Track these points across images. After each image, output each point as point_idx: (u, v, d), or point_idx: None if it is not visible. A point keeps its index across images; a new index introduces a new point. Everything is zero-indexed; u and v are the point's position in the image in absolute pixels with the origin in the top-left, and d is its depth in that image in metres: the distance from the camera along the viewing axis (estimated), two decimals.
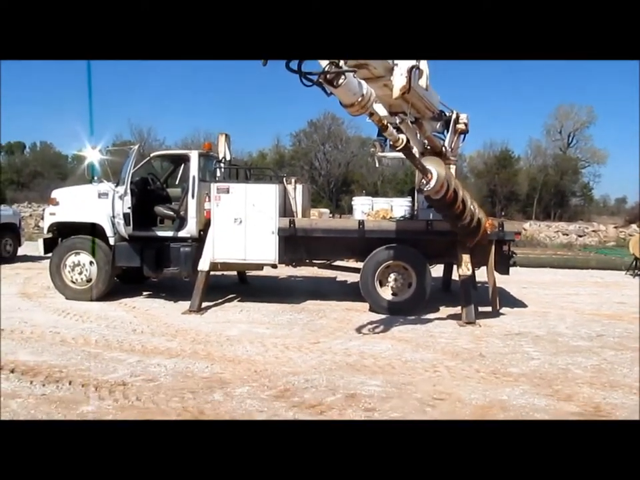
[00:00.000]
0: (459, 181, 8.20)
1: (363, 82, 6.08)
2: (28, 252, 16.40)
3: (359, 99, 6.00)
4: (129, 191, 9.46)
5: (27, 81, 77.57)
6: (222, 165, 10.48)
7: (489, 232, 8.51)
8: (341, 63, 5.75)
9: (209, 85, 75.81)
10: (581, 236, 28.76)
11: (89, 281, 9.94)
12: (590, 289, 13.08)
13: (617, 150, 78.62)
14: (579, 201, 58.82)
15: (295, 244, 9.53)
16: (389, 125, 6.80)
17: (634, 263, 15.61)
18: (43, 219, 27.97)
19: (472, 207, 7.95)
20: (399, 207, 10.46)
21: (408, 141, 7.10)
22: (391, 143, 7.12)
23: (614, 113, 76.62)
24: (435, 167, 7.21)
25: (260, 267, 10.50)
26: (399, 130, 9.33)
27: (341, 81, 5.66)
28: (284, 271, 12.93)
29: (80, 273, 9.93)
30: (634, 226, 32.53)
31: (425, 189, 7.19)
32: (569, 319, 9.27)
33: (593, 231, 30.24)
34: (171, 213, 10.17)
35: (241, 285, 12.25)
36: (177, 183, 11.48)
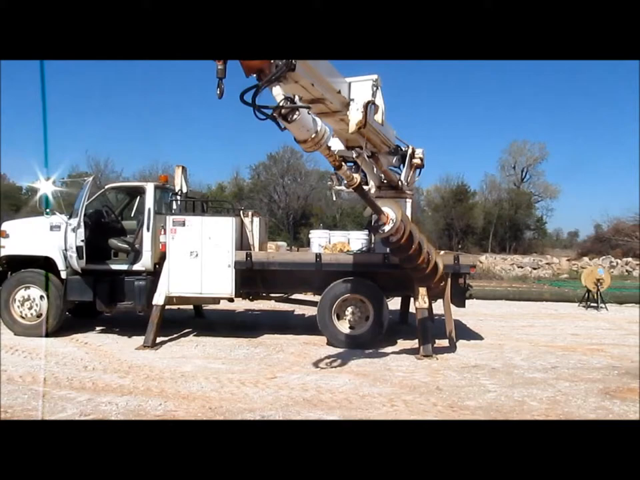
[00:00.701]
0: (415, 220, 8.31)
1: (317, 119, 6.10)
2: None
3: (313, 136, 6.00)
4: (82, 223, 9.26)
5: None
6: (178, 197, 10.39)
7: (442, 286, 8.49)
8: (296, 98, 5.79)
9: (168, 116, 75.44)
10: (535, 268, 29.27)
11: (39, 316, 9.66)
12: (544, 320, 13.26)
13: (568, 185, 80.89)
14: (533, 234, 60.08)
15: (251, 277, 9.46)
16: (342, 163, 6.80)
17: (586, 294, 15.92)
18: None
19: (428, 250, 7.85)
20: (356, 239, 10.51)
21: (362, 181, 7.10)
22: (345, 182, 7.09)
23: (566, 149, 78.85)
24: (391, 210, 7.15)
25: (216, 300, 10.36)
26: (355, 166, 9.46)
27: (295, 116, 5.67)
28: (241, 305, 12.79)
29: (30, 308, 9.65)
30: (586, 259, 33.37)
31: (380, 231, 7.13)
32: (525, 350, 9.36)
33: (547, 263, 30.84)
34: (126, 245, 10.01)
35: (197, 318, 12.06)
36: (132, 215, 11.33)
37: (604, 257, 34.39)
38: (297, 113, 5.68)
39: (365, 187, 10.39)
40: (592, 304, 15.70)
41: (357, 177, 6.89)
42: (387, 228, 7.02)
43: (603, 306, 15.37)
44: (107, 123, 72.39)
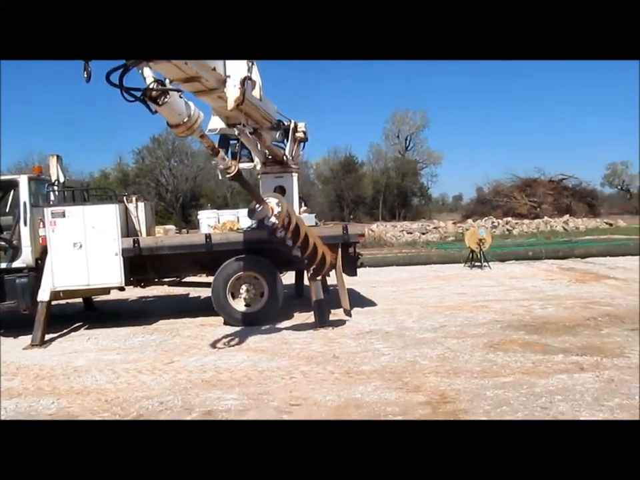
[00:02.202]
0: (305, 194, 8.36)
1: (190, 103, 6.03)
2: None
3: (185, 120, 5.94)
4: None
5: None
6: (55, 187, 9.93)
7: (333, 263, 8.41)
8: (167, 81, 5.68)
9: (40, 104, 71.57)
10: (423, 233, 30.32)
11: None
12: (433, 283, 13.80)
13: (450, 151, 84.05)
14: (419, 200, 62.23)
15: (141, 264, 9.25)
16: (219, 150, 6.76)
17: (470, 255, 16.70)
18: None
19: (314, 242, 7.82)
20: (245, 217, 10.47)
21: (239, 170, 7.00)
22: (224, 170, 6.99)
23: (447, 115, 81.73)
24: (276, 202, 7.16)
25: (106, 290, 10.07)
26: (239, 144, 9.42)
27: (165, 99, 5.57)
28: (133, 293, 12.49)
29: None
30: (470, 220, 34.96)
31: (270, 221, 7.11)
32: (415, 313, 9.73)
33: (434, 227, 32.05)
34: (2, 242, 9.45)
35: (88, 311, 11.64)
36: (7, 210, 10.71)
37: (486, 218, 36.23)
38: (168, 96, 5.58)
39: (250, 164, 10.42)
40: (476, 263, 16.50)
41: (235, 165, 6.86)
42: (272, 220, 7.02)
43: (486, 264, 16.19)
44: None
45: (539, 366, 6.29)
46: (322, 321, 8.76)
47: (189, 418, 5.21)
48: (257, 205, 7.09)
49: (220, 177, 7.14)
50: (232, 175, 6.86)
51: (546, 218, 35.33)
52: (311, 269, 8.08)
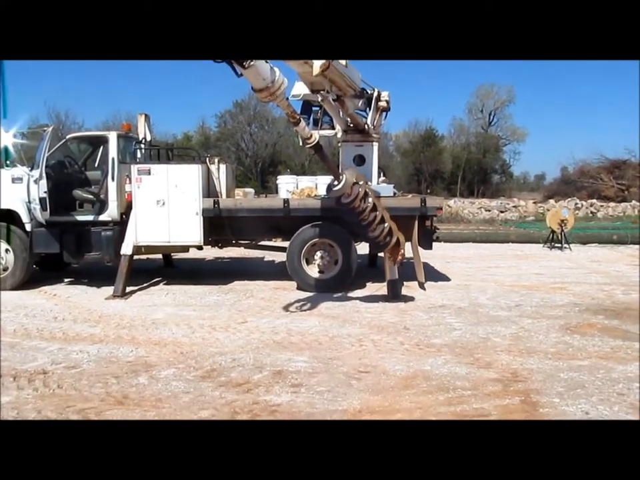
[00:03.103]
0: (383, 165, 8.24)
1: (276, 69, 6.02)
2: None
3: (269, 85, 5.94)
4: (44, 174, 9.09)
5: None
6: (142, 145, 10.23)
7: (397, 259, 8.04)
8: None
9: (128, 65, 73.49)
10: (502, 212, 29.66)
11: (5, 269, 9.55)
12: (510, 261, 13.53)
13: (535, 128, 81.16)
14: (500, 178, 60.64)
15: (220, 225, 9.45)
16: (300, 119, 6.73)
17: (551, 235, 16.23)
18: None
19: (383, 224, 7.57)
20: (324, 184, 10.48)
21: (319, 141, 6.98)
22: (303, 139, 6.97)
23: (533, 92, 79.01)
24: (346, 172, 7.11)
25: (185, 248, 10.36)
26: (321, 110, 9.41)
27: (252, 62, 5.59)
28: (210, 253, 12.81)
29: None
30: (552, 201, 33.87)
31: (334, 189, 7.07)
32: (490, 290, 9.57)
33: (514, 206, 31.25)
34: (91, 196, 9.85)
35: (167, 268, 12.05)
36: (96, 165, 11.13)
37: (569, 199, 34.97)
38: (253, 59, 5.60)
39: (331, 132, 10.41)
40: (556, 244, 16.03)
41: (316, 136, 6.83)
42: (339, 186, 6.99)
43: (567, 246, 15.70)
44: (65, 73, 70.55)
45: (617, 352, 6.08)
46: (394, 296, 8.71)
47: (259, 376, 5.34)
48: (335, 182, 7.06)
49: (301, 144, 7.12)
50: (311, 144, 6.86)
51: (634, 202, 33.67)
52: (379, 246, 7.92)
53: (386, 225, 7.57)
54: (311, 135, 6.79)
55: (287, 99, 6.59)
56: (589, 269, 12.19)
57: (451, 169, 55.49)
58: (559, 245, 15.86)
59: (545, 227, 16.98)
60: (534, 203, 33.35)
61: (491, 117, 61.20)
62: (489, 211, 29.70)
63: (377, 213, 7.43)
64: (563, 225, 15.68)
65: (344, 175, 6.98)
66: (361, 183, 7.23)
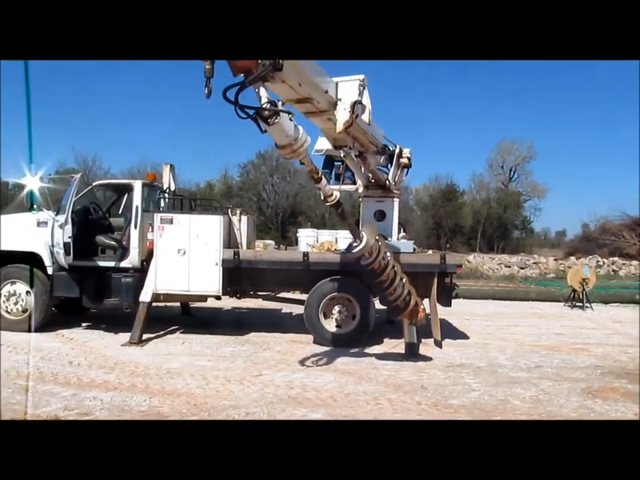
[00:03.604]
0: (403, 220, 8.25)
1: (300, 127, 6.11)
2: None
3: (292, 142, 6.03)
4: (69, 219, 9.26)
5: None
6: (166, 195, 10.39)
7: (418, 319, 7.84)
8: (279, 104, 5.81)
9: (156, 114, 75.28)
10: (522, 268, 29.42)
11: (24, 311, 9.64)
12: (530, 320, 13.37)
13: (556, 184, 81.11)
14: (520, 233, 60.38)
15: (239, 275, 9.49)
16: (322, 177, 6.79)
17: (572, 294, 16.05)
18: None
19: (402, 285, 7.48)
20: (344, 239, 10.52)
21: (340, 199, 6.98)
22: (323, 197, 6.97)
23: (554, 148, 79.37)
24: (366, 232, 7.06)
25: (204, 298, 10.37)
26: (343, 166, 9.52)
27: (276, 120, 5.70)
28: (228, 303, 12.81)
29: (15, 303, 9.63)
30: (573, 258, 33.58)
31: (354, 250, 7.02)
32: (509, 350, 9.44)
33: (534, 263, 31.00)
34: (113, 242, 10.00)
35: (184, 316, 12.06)
36: (119, 212, 11.31)
37: (591, 256, 34.62)
38: (279, 116, 5.71)
39: (353, 187, 10.51)
40: (577, 303, 15.82)
41: (336, 194, 6.88)
42: (360, 246, 6.97)
43: (589, 305, 15.51)
44: (93, 119, 72.38)
45: None
46: (412, 355, 8.58)
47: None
48: (355, 242, 7.05)
49: (322, 198, 7.16)
50: (331, 203, 6.91)
51: None
52: (391, 307, 7.71)
53: (405, 289, 7.49)
54: (332, 193, 6.83)
55: (309, 156, 6.65)
56: (611, 330, 12.00)
57: (471, 224, 55.40)
58: (580, 304, 15.66)
59: (566, 285, 16.80)
60: (555, 259, 33.05)
61: (512, 173, 61.36)
62: (509, 267, 29.48)
63: (397, 276, 7.37)
64: (584, 283, 15.50)
65: (364, 236, 6.97)
66: (380, 244, 7.19)
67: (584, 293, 15.60)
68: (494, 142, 73.87)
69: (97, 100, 72.90)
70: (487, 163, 61.34)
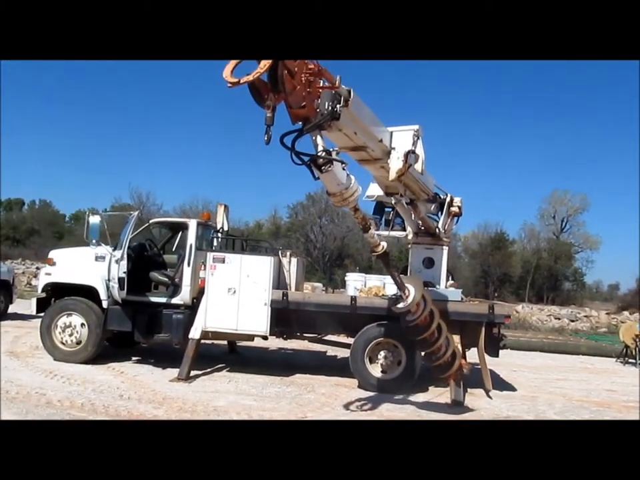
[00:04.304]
0: (451, 267, 8.27)
1: (352, 177, 6.26)
2: (19, 310, 16.31)
3: (343, 191, 6.18)
4: (125, 255, 9.58)
5: (30, 141, 78.94)
6: (219, 234, 10.66)
7: (464, 371, 7.89)
8: (333, 153, 5.98)
9: (208, 153, 77.37)
10: (573, 321, 28.80)
11: (78, 343, 9.92)
12: (579, 375, 13.06)
13: (610, 236, 79.52)
14: (571, 285, 59.08)
15: (287, 316, 9.61)
16: (370, 227, 6.90)
17: (624, 350, 15.61)
18: (36, 277, 28.09)
19: (446, 344, 7.47)
20: (391, 284, 10.54)
21: (387, 250, 7.08)
22: (371, 247, 7.10)
23: (607, 200, 78.00)
24: (412, 287, 7.09)
25: (251, 337, 10.50)
26: (394, 212, 9.64)
27: (329, 168, 5.86)
28: (274, 343, 12.89)
29: (70, 335, 9.92)
30: (626, 313, 32.66)
31: (399, 306, 7.09)
32: (558, 404, 9.24)
33: (585, 316, 30.33)
34: (166, 279, 10.27)
35: (231, 354, 12.19)
36: (173, 249, 11.63)
37: None
38: (332, 165, 5.87)
39: (402, 233, 10.60)
40: (630, 360, 15.37)
41: (384, 245, 6.98)
42: (401, 305, 7.03)
43: None
44: (149, 156, 74.74)
45: None
46: (457, 396, 8.56)
47: None
48: (401, 297, 7.06)
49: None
50: (378, 253, 7.00)
51: None
52: (434, 365, 7.63)
53: (450, 348, 7.47)
54: (379, 244, 6.94)
55: (358, 206, 6.76)
56: None
57: (520, 273, 54.48)
58: (633, 361, 15.19)
59: (618, 340, 16.35)
60: (607, 313, 32.25)
61: (564, 224, 60.41)
62: (559, 319, 28.89)
63: (441, 334, 7.35)
64: (637, 339, 15.07)
65: (411, 292, 7.01)
66: (427, 300, 7.19)
67: (637, 349, 15.15)
68: (546, 192, 73.02)
69: (153, 140, 75.52)
70: (539, 212, 60.63)
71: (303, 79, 5.41)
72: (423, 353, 7.78)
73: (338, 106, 5.67)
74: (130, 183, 64.81)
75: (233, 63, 5.05)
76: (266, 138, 5.48)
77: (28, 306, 10.62)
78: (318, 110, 5.59)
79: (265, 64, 4.91)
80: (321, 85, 5.64)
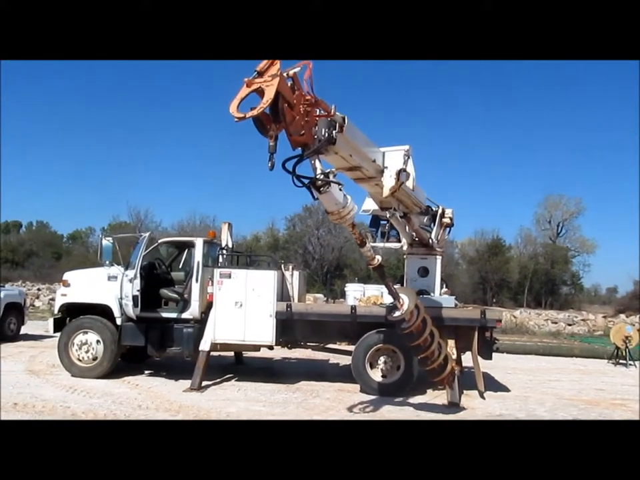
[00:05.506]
0: (447, 275, 8.77)
1: (349, 197, 6.84)
2: (29, 331, 16.78)
3: (340, 209, 6.75)
4: (138, 274, 10.13)
5: (26, 162, 79.46)
6: (224, 251, 11.22)
7: (456, 373, 8.51)
8: (331, 176, 6.56)
9: (204, 168, 78.09)
10: (570, 324, 29.25)
11: (94, 359, 10.45)
12: (572, 375, 13.61)
13: (606, 240, 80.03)
14: (569, 289, 59.43)
15: (291, 327, 10.18)
16: (366, 241, 7.47)
17: (615, 351, 16.15)
18: (38, 298, 28.51)
19: (439, 350, 8.03)
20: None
21: (382, 263, 7.63)
22: (367, 260, 7.65)
23: (603, 204, 78.53)
24: (407, 297, 7.63)
25: (257, 348, 11.04)
26: (389, 225, 10.21)
27: (327, 189, 6.44)
28: (278, 353, 13.42)
29: (87, 352, 10.46)
30: (623, 316, 33.11)
31: (394, 315, 7.65)
32: (549, 403, 9.79)
33: (582, 319, 30.80)
34: (176, 295, 10.80)
35: (238, 365, 12.71)
36: (180, 266, 12.17)
37: None
38: (329, 186, 6.46)
39: (398, 244, 11.17)
40: (621, 361, 15.91)
41: (379, 258, 7.56)
42: (396, 313, 7.59)
43: (632, 363, 15.57)
44: (145, 174, 75.52)
45: None
46: (453, 397, 9.10)
47: None
48: (397, 305, 7.62)
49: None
50: (374, 266, 7.58)
51: None
52: (427, 368, 8.18)
53: (442, 354, 8.03)
54: (374, 257, 7.51)
55: (355, 223, 7.29)
56: None
57: (518, 279, 54.89)
58: (624, 362, 15.75)
59: (611, 342, 16.91)
60: (604, 317, 32.70)
61: (560, 228, 60.89)
62: (556, 323, 29.37)
63: (434, 340, 7.90)
64: (627, 341, 15.62)
65: (404, 301, 7.57)
66: (420, 309, 7.73)
67: (627, 350, 15.71)
68: (541, 197, 73.58)
69: (149, 158, 76.19)
70: (534, 217, 61.06)
71: (301, 109, 6.05)
72: (417, 358, 8.30)
73: (334, 132, 6.28)
74: (128, 201, 65.19)
75: (238, 98, 5.68)
76: (270, 164, 6.05)
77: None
78: (316, 136, 6.19)
79: (267, 99, 5.54)
80: (318, 113, 6.26)
